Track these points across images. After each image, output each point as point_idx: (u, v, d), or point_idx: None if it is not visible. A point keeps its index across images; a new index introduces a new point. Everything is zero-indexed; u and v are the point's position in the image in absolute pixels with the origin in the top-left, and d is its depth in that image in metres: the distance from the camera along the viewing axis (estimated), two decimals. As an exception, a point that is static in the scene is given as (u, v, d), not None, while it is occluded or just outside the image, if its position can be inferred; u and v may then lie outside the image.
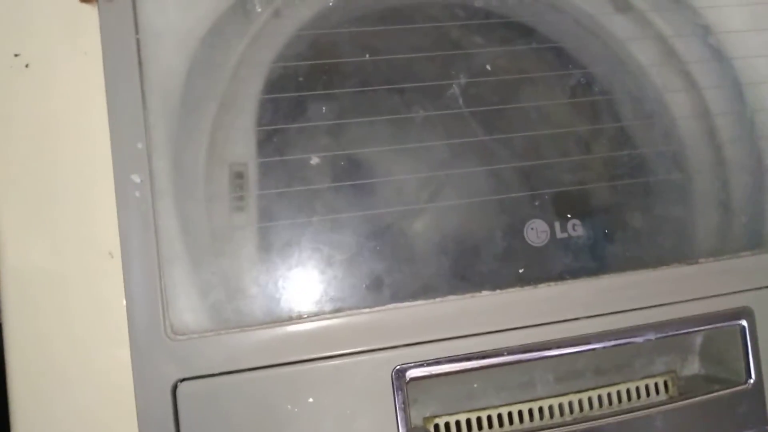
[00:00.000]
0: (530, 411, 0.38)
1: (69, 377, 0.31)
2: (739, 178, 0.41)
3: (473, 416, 0.37)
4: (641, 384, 0.40)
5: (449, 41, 0.39)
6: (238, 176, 0.37)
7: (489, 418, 0.38)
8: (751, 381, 0.37)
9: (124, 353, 0.31)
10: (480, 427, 0.37)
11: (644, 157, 0.40)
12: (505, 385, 0.39)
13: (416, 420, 0.36)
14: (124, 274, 0.31)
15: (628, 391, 0.40)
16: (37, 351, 0.30)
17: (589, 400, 0.39)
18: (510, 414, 0.38)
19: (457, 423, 0.37)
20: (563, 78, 0.39)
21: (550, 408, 0.39)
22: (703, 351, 0.41)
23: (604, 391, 0.39)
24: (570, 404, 0.39)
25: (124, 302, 0.31)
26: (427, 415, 0.37)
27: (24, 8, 0.32)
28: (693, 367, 0.41)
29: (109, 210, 0.32)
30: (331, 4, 0.37)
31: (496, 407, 0.38)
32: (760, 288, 0.38)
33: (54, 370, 0.31)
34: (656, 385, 0.40)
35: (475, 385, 0.38)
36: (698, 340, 0.41)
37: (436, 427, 0.37)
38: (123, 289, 0.31)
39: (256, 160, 0.37)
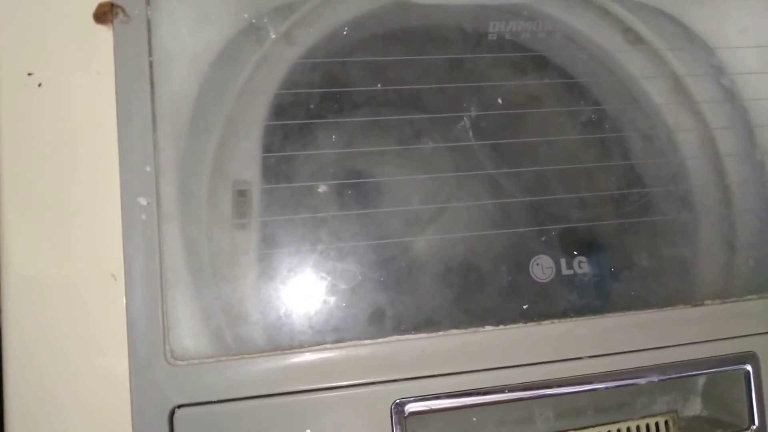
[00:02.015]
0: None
1: (64, 400, 0.31)
2: (747, 221, 0.41)
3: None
4: (642, 423, 0.40)
5: (461, 68, 0.39)
6: (241, 194, 0.37)
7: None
8: (754, 427, 0.37)
9: (123, 377, 0.31)
10: (478, 462, 0.36)
11: (652, 196, 0.40)
12: (505, 420, 0.38)
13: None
14: (126, 298, 0.31)
15: (628, 430, 0.39)
16: (35, 372, 0.30)
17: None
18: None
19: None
20: (574, 113, 0.39)
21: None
22: (705, 392, 0.40)
23: (604, 429, 0.39)
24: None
25: (125, 326, 0.31)
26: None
27: (38, 27, 0.32)
28: (695, 408, 0.41)
29: (115, 232, 0.32)
30: (345, 32, 0.37)
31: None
32: (765, 333, 0.37)
33: (50, 393, 0.31)
34: (657, 424, 0.40)
35: (474, 419, 0.38)
36: (701, 381, 0.40)
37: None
38: (125, 312, 0.31)
39: (260, 186, 0.37)
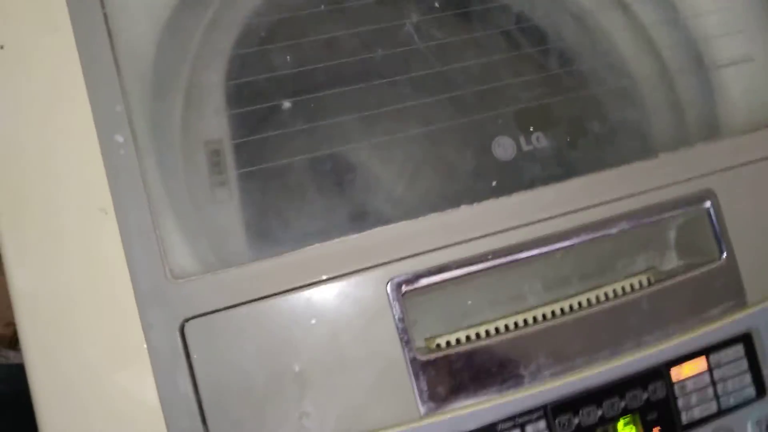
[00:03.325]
0: (525, 321, 0.40)
1: (79, 331, 0.32)
2: (683, 79, 0.44)
3: (472, 332, 0.39)
4: (625, 283, 0.42)
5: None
6: (215, 154, 0.39)
7: (487, 332, 0.39)
8: (724, 256, 0.39)
9: (130, 302, 0.33)
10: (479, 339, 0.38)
11: (593, 70, 0.43)
12: (498, 300, 0.40)
13: (418, 342, 0.38)
14: (119, 228, 0.33)
15: (614, 291, 0.42)
16: (46, 305, 0.32)
17: (579, 304, 0.41)
18: (506, 326, 0.40)
19: (458, 340, 0.39)
20: (508, 6, 0.42)
21: (543, 315, 0.40)
22: (678, 243, 0.43)
23: (591, 294, 0.41)
24: (562, 310, 0.40)
25: (123, 254, 0.33)
26: (428, 336, 0.39)
27: (-7, -5, 0.34)
28: (672, 260, 0.43)
29: (98, 169, 0.33)
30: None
31: (492, 321, 0.40)
32: (718, 171, 0.40)
33: (62, 325, 0.32)
34: (640, 282, 0.42)
35: (469, 302, 0.40)
36: (672, 234, 0.43)
37: (438, 346, 0.38)
38: (120, 242, 0.33)
39: (230, 141, 0.39)
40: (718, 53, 0.45)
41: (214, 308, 0.33)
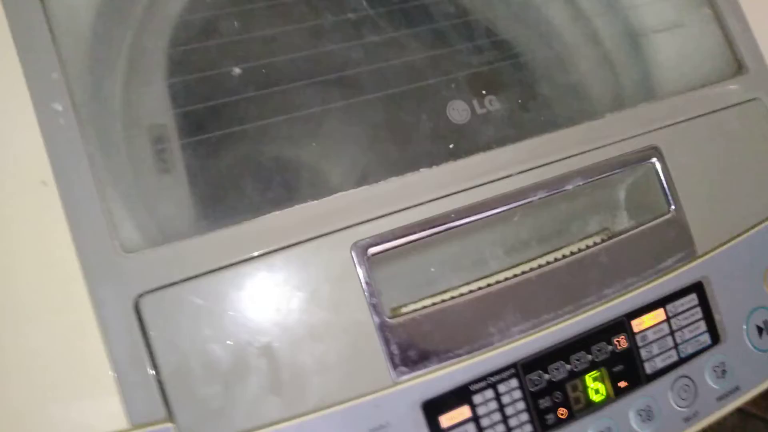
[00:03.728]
0: (488, 285, 0.40)
1: (20, 313, 0.30)
2: (615, 45, 0.45)
3: (437, 299, 0.39)
4: (581, 245, 0.43)
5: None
6: (159, 140, 0.38)
7: (452, 298, 0.39)
8: (672, 208, 0.41)
9: (78, 279, 0.30)
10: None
11: (531, 38, 0.44)
12: (461, 266, 0.40)
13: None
14: (62, 201, 0.31)
15: (572, 253, 0.42)
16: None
17: (539, 265, 0.41)
18: (471, 292, 0.39)
19: (424, 307, 0.38)
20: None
21: (506, 279, 0.40)
22: (628, 203, 0.44)
23: (550, 257, 0.42)
24: (523, 271, 0.41)
25: (68, 228, 0.31)
26: (394, 306, 0.38)
27: None
28: (623, 221, 0.44)
29: (36, 139, 0.31)
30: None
31: (456, 288, 0.39)
32: (662, 128, 0.42)
33: (8, 311, 0.29)
34: (594, 243, 0.43)
35: (432, 269, 0.40)
36: (621, 195, 0.44)
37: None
38: (64, 215, 0.31)
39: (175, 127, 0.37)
40: (650, 20, 0.47)
41: (170, 281, 0.31)
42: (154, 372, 0.30)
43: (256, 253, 0.33)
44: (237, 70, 0.36)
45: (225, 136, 0.36)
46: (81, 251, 0.31)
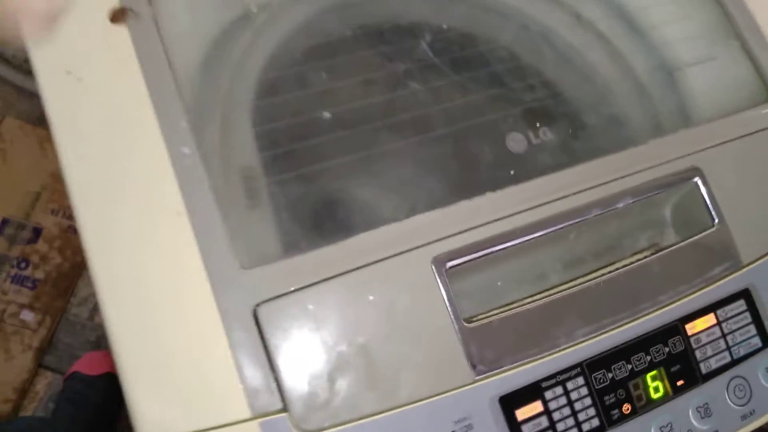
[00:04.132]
0: (553, 293, 0.44)
1: (161, 319, 0.36)
2: (652, 78, 0.51)
3: (505, 311, 0.43)
4: (633, 259, 0.47)
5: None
6: (249, 179, 0.44)
7: (522, 305, 0.43)
8: (716, 222, 0.45)
9: (206, 291, 0.36)
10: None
11: (575, 76, 0.49)
12: (524, 279, 0.45)
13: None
14: (193, 227, 0.37)
15: (626, 265, 0.46)
16: (133, 299, 0.35)
17: (598, 275, 0.45)
18: (539, 299, 0.43)
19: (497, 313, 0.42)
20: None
21: (569, 287, 0.45)
22: (674, 221, 0.48)
23: (605, 271, 0.46)
24: (583, 282, 0.45)
25: (198, 249, 0.37)
26: (466, 317, 0.43)
27: (69, 36, 0.39)
28: (671, 237, 0.48)
29: (171, 178, 0.38)
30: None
31: (521, 300, 0.44)
32: (700, 151, 0.46)
33: (149, 314, 0.35)
34: (646, 256, 0.47)
35: (499, 284, 0.44)
36: (668, 213, 0.48)
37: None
38: (194, 238, 0.37)
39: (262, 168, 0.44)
40: (683, 55, 0.52)
41: (281, 292, 0.37)
42: (271, 369, 0.36)
43: (352, 267, 0.38)
44: (326, 114, 0.43)
45: (316, 172, 0.42)
46: (208, 268, 0.37)
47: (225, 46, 0.47)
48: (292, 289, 0.37)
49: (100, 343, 1.37)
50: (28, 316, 1.34)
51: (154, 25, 0.41)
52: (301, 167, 0.44)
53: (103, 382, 1.22)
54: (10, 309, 1.32)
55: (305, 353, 0.36)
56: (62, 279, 1.42)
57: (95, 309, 1.38)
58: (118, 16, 0.40)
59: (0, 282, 1.34)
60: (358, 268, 0.38)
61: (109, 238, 0.36)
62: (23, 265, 1.40)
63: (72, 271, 1.41)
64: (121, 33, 0.40)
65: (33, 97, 1.38)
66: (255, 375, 0.35)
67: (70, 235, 1.45)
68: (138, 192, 0.37)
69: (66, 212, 1.46)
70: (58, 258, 1.42)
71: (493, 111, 0.46)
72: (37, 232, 1.41)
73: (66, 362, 1.28)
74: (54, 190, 1.40)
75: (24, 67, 1.41)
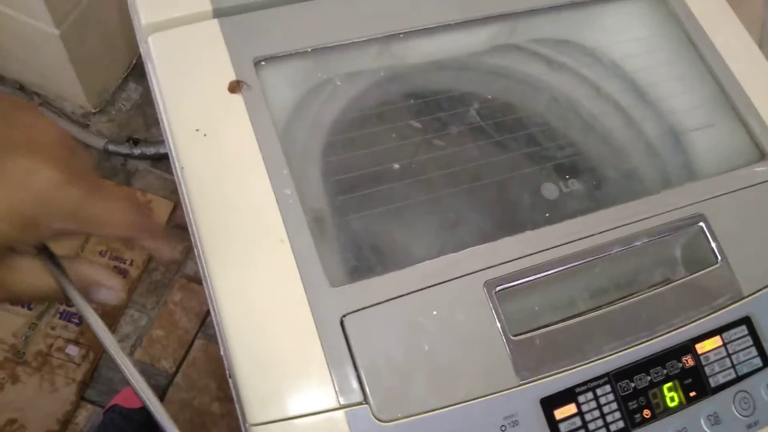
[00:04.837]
0: (585, 315, 0.52)
1: (269, 329, 0.44)
2: (661, 141, 0.60)
3: (545, 329, 0.51)
4: (649, 291, 0.55)
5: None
6: (317, 220, 0.54)
7: (559, 323, 0.51)
8: (719, 260, 0.53)
9: (304, 304, 0.45)
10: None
11: (597, 138, 0.59)
12: (557, 305, 0.53)
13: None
14: (293, 252, 0.46)
15: (641, 298, 0.55)
16: (245, 314, 0.44)
17: (621, 301, 0.53)
18: (573, 319, 0.51)
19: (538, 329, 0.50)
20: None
21: (597, 309, 0.53)
22: (684, 259, 0.57)
23: (625, 301, 0.54)
24: (609, 305, 0.53)
25: (297, 270, 0.46)
26: (513, 332, 0.51)
27: (197, 101, 0.50)
28: (681, 273, 0.57)
29: (276, 213, 0.47)
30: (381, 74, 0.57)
31: (555, 323, 0.52)
32: (704, 200, 0.55)
33: (258, 327, 0.44)
34: (660, 288, 0.56)
35: (536, 308, 0.53)
36: (678, 252, 0.57)
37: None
38: (295, 262, 0.46)
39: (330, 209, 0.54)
40: (687, 122, 0.62)
41: (364, 306, 0.46)
42: (354, 369, 0.44)
43: (420, 287, 0.47)
44: (396, 166, 0.53)
45: (385, 213, 0.52)
46: (305, 285, 0.46)
47: (303, 109, 0.58)
48: (373, 303, 0.46)
49: (140, 378, 1.43)
50: (73, 350, 1.41)
51: (261, 92, 0.52)
52: (368, 209, 0.53)
53: (140, 416, 1.29)
54: (57, 343, 1.40)
55: (382, 356, 0.45)
56: (106, 316, 1.50)
57: (135, 345, 1.46)
58: (234, 87, 0.51)
59: (49, 318, 1.43)
60: (424, 288, 0.47)
61: (226, 260, 0.45)
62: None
63: (115, 310, 1.50)
64: (238, 100, 0.51)
65: (88, 148, 1.52)
66: (342, 373, 0.44)
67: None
68: (251, 222, 0.47)
69: (112, 254, 1.57)
70: (105, 297, 1.50)
71: (529, 165, 0.55)
72: (88, 272, 1.49)
73: (106, 396, 1.35)
74: (102, 233, 1.51)
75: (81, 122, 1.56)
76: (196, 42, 0.52)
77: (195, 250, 0.49)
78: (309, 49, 0.55)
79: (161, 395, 1.38)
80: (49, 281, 0.31)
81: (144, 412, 1.31)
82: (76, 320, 1.46)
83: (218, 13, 0.54)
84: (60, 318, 1.44)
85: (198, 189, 0.48)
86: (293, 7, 0.56)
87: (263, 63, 0.53)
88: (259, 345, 0.44)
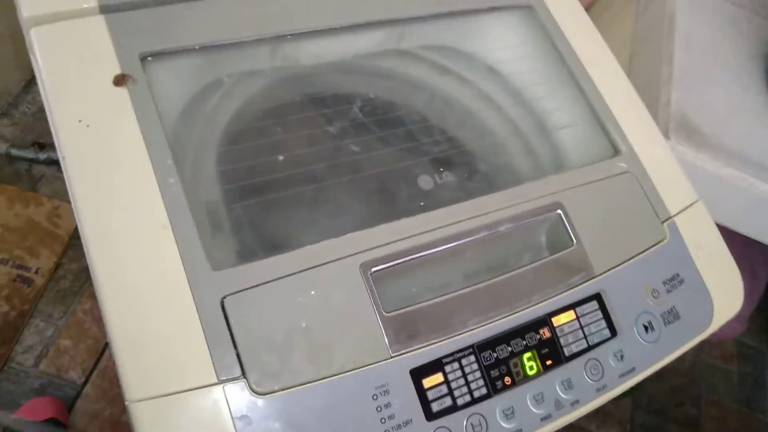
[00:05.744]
0: (454, 292, 0.56)
1: (150, 311, 0.46)
2: (533, 137, 0.67)
3: (415, 305, 0.55)
4: (512, 272, 0.60)
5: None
6: (210, 212, 0.57)
7: (429, 300, 0.56)
8: (575, 243, 0.60)
9: (185, 287, 0.47)
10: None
11: (472, 134, 0.65)
12: (432, 287, 0.58)
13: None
14: (175, 237, 0.48)
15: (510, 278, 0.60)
16: (125, 296, 0.46)
17: (486, 280, 0.59)
18: (442, 297, 0.56)
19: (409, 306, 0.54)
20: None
21: (464, 288, 0.57)
22: (548, 244, 0.63)
23: (496, 281, 0.59)
24: (475, 284, 0.58)
25: (179, 254, 0.48)
26: (386, 309, 0.55)
27: (81, 93, 0.51)
28: (545, 255, 0.63)
29: (158, 202, 0.49)
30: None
31: (425, 301, 0.56)
32: (563, 190, 0.62)
33: (139, 308, 0.46)
34: (521, 268, 0.61)
35: (413, 290, 0.57)
36: (543, 237, 0.63)
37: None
38: (176, 246, 0.48)
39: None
40: (554, 121, 0.69)
41: (243, 288, 0.48)
42: (233, 346, 0.47)
43: (298, 270, 0.50)
44: (280, 157, 0.56)
45: (269, 202, 0.55)
46: (187, 269, 0.48)
47: (198, 105, 0.60)
48: (253, 285, 0.49)
49: (44, 390, 1.39)
50: (-29, 365, 1.34)
51: (147, 87, 0.54)
52: (256, 198, 0.56)
53: (44, 428, 1.25)
54: (-46, 357, 1.33)
55: (261, 333, 0.47)
56: (8, 327, 1.44)
57: (41, 356, 1.41)
58: (119, 80, 0.53)
59: (-58, 331, 1.36)
60: (302, 270, 0.50)
61: (109, 244, 0.47)
62: (-30, 313, 1.42)
63: (18, 320, 1.44)
64: (122, 93, 0.53)
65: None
66: (221, 351, 0.46)
67: (18, 285, 1.49)
68: (134, 209, 0.49)
69: (15, 262, 1.50)
70: (5, 306, 1.45)
71: (407, 159, 0.60)
72: (-14, 281, 1.44)
73: (7, 409, 1.30)
74: (3, 240, 1.45)
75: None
76: (81, 36, 0.53)
77: (82, 240, 0.50)
78: (197, 47, 0.57)
79: (69, 407, 1.34)
80: None
81: (51, 422, 1.27)
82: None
83: (105, 9, 0.55)
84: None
85: (80, 179, 0.49)
86: (181, 5, 0.58)
87: (150, 59, 0.55)
88: (139, 325, 0.46)
